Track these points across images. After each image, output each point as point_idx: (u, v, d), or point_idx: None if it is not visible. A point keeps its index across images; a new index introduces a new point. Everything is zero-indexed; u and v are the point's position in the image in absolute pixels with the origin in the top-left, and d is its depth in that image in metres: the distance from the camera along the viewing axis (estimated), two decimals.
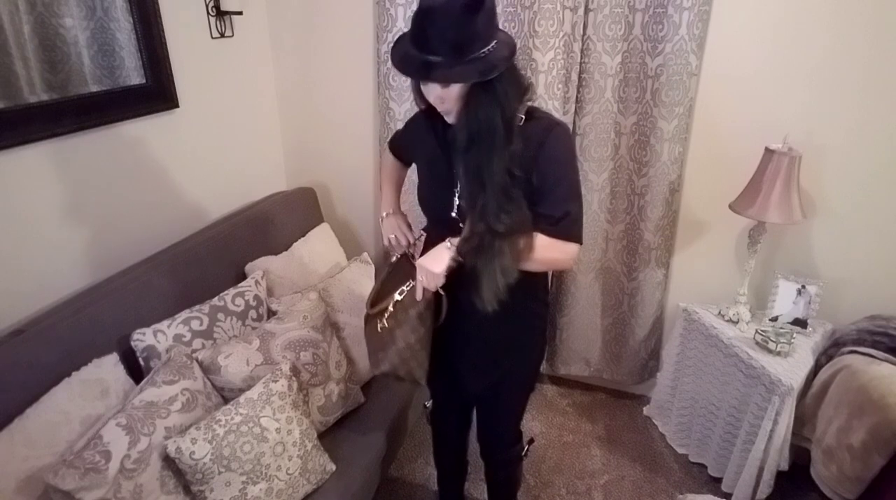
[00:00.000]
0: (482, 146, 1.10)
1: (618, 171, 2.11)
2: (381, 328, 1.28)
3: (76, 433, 1.20)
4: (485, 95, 1.08)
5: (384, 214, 1.45)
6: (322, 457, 1.50)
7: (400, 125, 2.12)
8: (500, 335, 1.34)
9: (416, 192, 1.40)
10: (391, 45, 1.16)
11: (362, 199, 2.45)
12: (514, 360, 1.38)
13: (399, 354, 1.28)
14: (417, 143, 1.35)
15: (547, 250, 1.17)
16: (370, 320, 1.36)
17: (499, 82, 1.07)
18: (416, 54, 1.06)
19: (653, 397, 2.34)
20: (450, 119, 1.17)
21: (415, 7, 1.95)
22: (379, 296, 1.38)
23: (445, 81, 1.07)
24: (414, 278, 1.26)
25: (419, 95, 1.21)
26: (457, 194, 1.23)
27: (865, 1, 1.68)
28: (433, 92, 1.12)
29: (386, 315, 1.28)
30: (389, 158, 1.54)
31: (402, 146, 1.49)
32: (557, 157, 1.16)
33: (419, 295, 1.23)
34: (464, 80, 1.06)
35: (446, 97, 1.11)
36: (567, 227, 1.17)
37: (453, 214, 1.23)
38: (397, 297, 1.28)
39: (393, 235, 1.40)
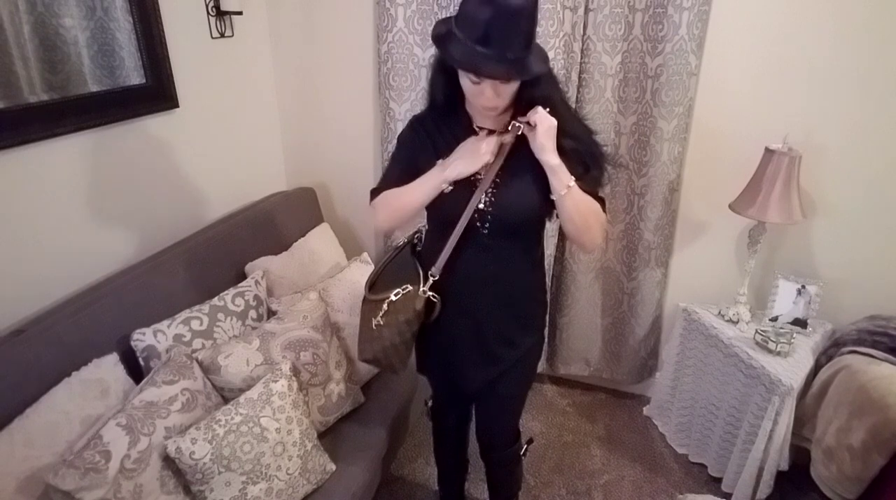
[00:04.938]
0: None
1: (618, 170, 2.11)
2: (374, 325, 1.30)
3: (76, 433, 1.20)
4: (548, 76, 1.16)
5: (444, 169, 1.20)
6: (322, 457, 1.50)
7: (400, 125, 2.15)
8: (497, 334, 1.35)
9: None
10: (433, 54, 1.19)
11: (362, 199, 2.40)
12: (512, 358, 1.39)
13: (384, 350, 1.30)
14: (429, 146, 1.30)
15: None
16: (366, 303, 1.37)
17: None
18: (491, 53, 1.04)
19: (653, 397, 2.34)
20: (490, 113, 1.18)
21: (415, 7, 1.98)
22: (379, 279, 1.39)
23: (531, 75, 1.08)
24: (413, 284, 1.28)
25: (444, 92, 1.22)
26: (480, 191, 1.22)
27: (865, 1, 1.69)
28: (491, 89, 1.10)
29: (380, 314, 1.29)
30: (391, 190, 1.31)
31: (410, 161, 1.31)
32: None
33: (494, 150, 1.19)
34: (541, 70, 1.10)
35: (504, 93, 1.12)
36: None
37: (480, 206, 1.22)
38: (392, 297, 1.28)
39: (484, 143, 1.17)
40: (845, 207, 1.90)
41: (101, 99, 1.54)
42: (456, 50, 1.07)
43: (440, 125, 1.29)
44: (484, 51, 1.04)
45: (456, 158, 1.20)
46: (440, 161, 1.23)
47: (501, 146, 1.21)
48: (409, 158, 1.31)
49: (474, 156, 1.18)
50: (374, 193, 1.35)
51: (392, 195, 1.29)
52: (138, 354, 1.43)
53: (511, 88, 1.12)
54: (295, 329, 1.58)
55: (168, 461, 1.25)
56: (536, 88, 1.15)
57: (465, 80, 1.13)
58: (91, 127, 1.52)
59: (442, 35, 1.10)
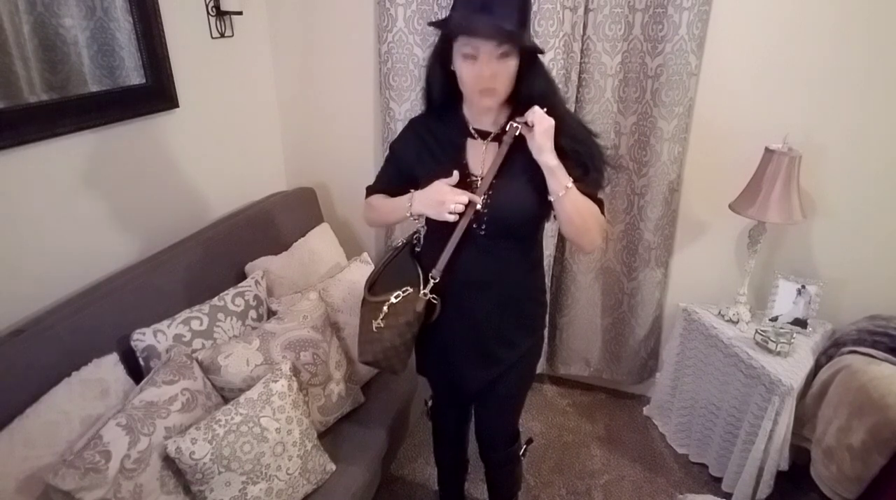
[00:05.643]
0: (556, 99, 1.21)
1: (618, 172, 2.11)
2: (375, 327, 1.30)
3: (76, 433, 1.20)
4: (540, 68, 1.17)
5: (410, 202, 1.25)
6: (322, 457, 1.50)
7: (400, 125, 2.14)
8: (497, 335, 1.35)
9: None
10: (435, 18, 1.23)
11: (362, 199, 2.44)
12: (511, 358, 1.39)
13: (384, 352, 1.31)
14: (423, 151, 1.31)
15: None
16: (366, 304, 1.38)
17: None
18: (487, 19, 1.06)
19: (653, 397, 2.34)
20: (488, 103, 1.17)
21: (415, 7, 1.98)
22: (379, 280, 1.39)
23: (525, 42, 1.10)
24: (413, 286, 1.28)
25: (440, 85, 1.23)
26: (479, 194, 1.21)
27: (865, 1, 1.69)
28: (490, 68, 1.10)
29: (381, 316, 1.29)
30: (378, 196, 1.41)
31: (402, 168, 1.36)
32: None
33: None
34: (534, 48, 1.12)
35: (501, 74, 1.12)
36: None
37: (477, 207, 1.21)
38: (393, 299, 1.29)
39: (453, 201, 1.17)
40: (845, 207, 1.90)
41: (100, 99, 1.54)
42: (453, 20, 1.12)
43: (436, 128, 1.30)
44: (482, 17, 1.06)
45: (424, 197, 1.23)
46: (412, 191, 1.27)
47: (499, 148, 1.21)
48: (399, 161, 1.37)
49: (441, 207, 1.18)
50: (369, 190, 1.46)
51: (374, 205, 1.41)
52: (138, 354, 1.43)
53: (507, 69, 1.12)
54: (295, 329, 1.58)
55: (168, 461, 1.25)
56: (534, 86, 1.15)
57: (462, 64, 1.13)
58: (91, 127, 1.52)
59: (439, 19, 1.15)
